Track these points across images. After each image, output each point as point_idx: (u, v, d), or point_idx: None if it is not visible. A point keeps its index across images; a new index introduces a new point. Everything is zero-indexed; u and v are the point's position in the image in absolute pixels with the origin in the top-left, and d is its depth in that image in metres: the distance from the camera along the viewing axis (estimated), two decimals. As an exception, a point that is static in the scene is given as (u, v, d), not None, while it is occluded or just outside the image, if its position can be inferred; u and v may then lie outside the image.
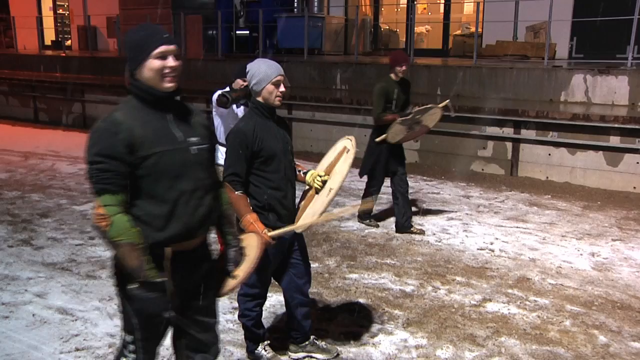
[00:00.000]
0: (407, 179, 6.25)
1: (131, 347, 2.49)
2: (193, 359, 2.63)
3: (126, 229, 2.25)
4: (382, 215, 6.78)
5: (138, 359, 2.50)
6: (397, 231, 6.22)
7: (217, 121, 4.97)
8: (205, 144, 2.48)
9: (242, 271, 2.64)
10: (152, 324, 2.45)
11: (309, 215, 3.34)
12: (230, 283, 2.65)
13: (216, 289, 2.64)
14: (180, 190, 2.36)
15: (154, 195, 2.33)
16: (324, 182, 3.35)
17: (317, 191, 3.38)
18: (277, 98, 3.27)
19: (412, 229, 6.20)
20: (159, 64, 2.32)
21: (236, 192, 3.19)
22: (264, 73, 3.24)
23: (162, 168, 2.32)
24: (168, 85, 2.35)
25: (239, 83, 4.80)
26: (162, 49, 2.32)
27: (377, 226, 6.45)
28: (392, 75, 6.02)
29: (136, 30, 2.39)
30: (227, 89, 4.82)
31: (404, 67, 5.96)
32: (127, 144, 2.24)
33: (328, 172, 3.40)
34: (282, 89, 3.26)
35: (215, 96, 4.77)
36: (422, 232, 6.21)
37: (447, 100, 6.26)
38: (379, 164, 6.12)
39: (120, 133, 2.24)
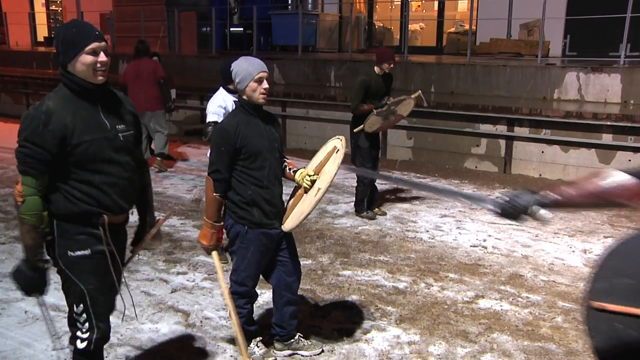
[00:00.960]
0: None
1: (83, 316, 2.70)
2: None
3: (34, 211, 2.51)
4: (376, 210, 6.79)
5: (92, 327, 2.70)
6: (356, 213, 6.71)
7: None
8: (131, 130, 2.73)
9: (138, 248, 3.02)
10: (98, 286, 2.68)
11: (296, 214, 3.36)
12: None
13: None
14: (109, 173, 2.60)
15: (86, 179, 2.56)
16: (313, 182, 3.36)
17: (306, 190, 3.39)
18: (261, 95, 3.28)
19: (362, 213, 6.64)
20: (91, 59, 2.50)
21: (215, 194, 3.26)
22: (245, 71, 3.26)
23: (92, 154, 2.54)
24: (100, 78, 2.57)
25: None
26: (93, 45, 2.50)
27: (375, 217, 6.60)
28: (377, 69, 6.28)
29: (69, 26, 2.58)
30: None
31: (391, 65, 6.23)
32: (57, 135, 2.45)
33: (317, 171, 3.42)
34: (265, 85, 3.27)
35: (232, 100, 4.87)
36: (373, 217, 6.59)
37: (419, 91, 6.53)
38: (363, 151, 6.35)
39: (50, 124, 2.45)
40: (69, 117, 2.48)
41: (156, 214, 3.14)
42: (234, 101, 4.89)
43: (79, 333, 2.72)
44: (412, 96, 6.34)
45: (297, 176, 3.44)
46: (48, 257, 2.67)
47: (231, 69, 3.33)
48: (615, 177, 2.00)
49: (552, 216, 2.12)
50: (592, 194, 2.03)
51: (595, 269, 2.43)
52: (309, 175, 3.39)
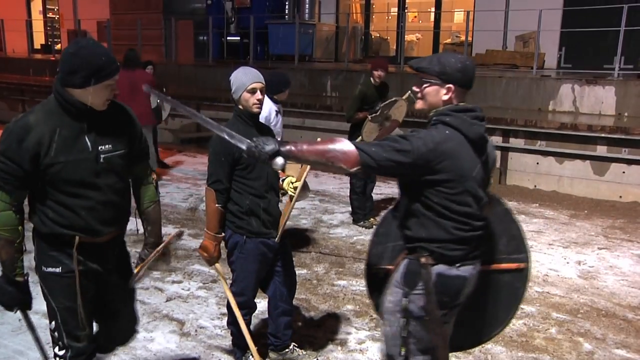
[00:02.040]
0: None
1: (56, 334, 2.64)
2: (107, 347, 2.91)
3: (9, 226, 2.43)
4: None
5: (65, 346, 2.63)
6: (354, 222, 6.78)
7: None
8: (119, 150, 2.56)
9: (141, 267, 2.77)
10: (67, 305, 2.58)
11: (282, 221, 3.39)
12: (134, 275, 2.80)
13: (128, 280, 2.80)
14: (84, 196, 2.47)
15: (59, 200, 2.45)
16: (296, 188, 3.40)
17: (291, 198, 3.43)
18: (254, 105, 3.29)
19: (360, 222, 6.70)
20: (106, 93, 2.42)
21: (216, 205, 3.25)
22: (240, 81, 3.28)
23: (65, 176, 2.41)
24: (104, 108, 2.47)
25: (286, 94, 5.17)
26: (114, 79, 2.42)
27: (371, 227, 6.57)
28: (372, 80, 6.41)
29: (93, 53, 2.37)
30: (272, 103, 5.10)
31: (380, 73, 6.33)
32: (30, 152, 2.35)
33: (299, 177, 3.45)
34: (258, 96, 3.28)
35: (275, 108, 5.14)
36: (369, 227, 6.56)
37: (409, 92, 6.52)
38: None
39: (26, 141, 2.34)
40: (47, 135, 2.36)
41: (170, 229, 2.98)
42: (275, 111, 5.05)
43: (56, 349, 2.66)
44: (403, 97, 6.40)
45: (285, 184, 3.49)
46: (27, 271, 2.59)
47: (230, 78, 3.35)
48: (343, 143, 2.28)
49: (283, 163, 2.32)
50: (319, 152, 2.29)
51: (372, 236, 2.90)
52: (292, 182, 3.44)
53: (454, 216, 2.38)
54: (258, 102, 3.29)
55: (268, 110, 5.04)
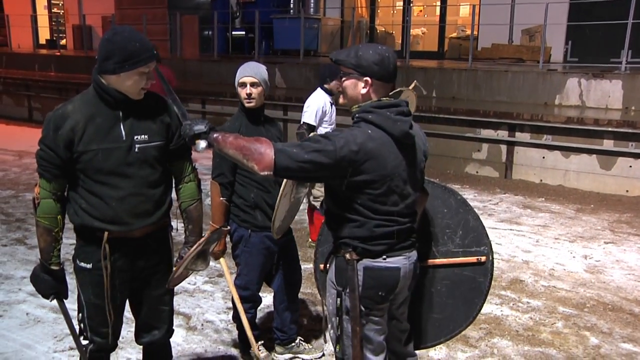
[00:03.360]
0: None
1: (81, 325, 2.65)
2: (145, 337, 2.83)
3: (49, 214, 2.46)
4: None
5: (88, 338, 2.65)
6: None
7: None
8: (155, 141, 2.52)
9: (179, 267, 2.68)
10: (95, 302, 2.58)
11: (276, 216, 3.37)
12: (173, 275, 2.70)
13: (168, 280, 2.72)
14: (116, 186, 2.45)
15: (92, 189, 2.45)
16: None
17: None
18: (245, 100, 3.30)
19: None
20: (139, 80, 2.40)
21: (221, 198, 3.26)
22: (236, 76, 3.31)
23: (96, 165, 2.41)
24: (140, 97, 2.46)
25: (337, 85, 5.03)
26: (150, 66, 2.40)
27: None
28: None
29: (128, 37, 2.36)
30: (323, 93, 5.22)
31: None
32: (65, 139, 2.37)
33: None
34: (247, 90, 3.27)
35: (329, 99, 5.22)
36: None
37: (415, 82, 6.54)
38: None
39: (62, 128, 2.37)
40: (81, 122, 2.38)
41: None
42: (330, 102, 5.09)
43: (81, 339, 2.68)
44: (410, 87, 6.34)
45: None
46: (63, 260, 2.59)
47: None
48: (265, 145, 2.20)
49: (204, 148, 2.30)
50: (239, 147, 2.23)
51: (319, 235, 2.90)
52: None
53: (377, 216, 2.30)
54: (247, 96, 3.28)
55: (323, 102, 5.15)
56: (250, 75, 3.27)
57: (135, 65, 2.35)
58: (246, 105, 3.31)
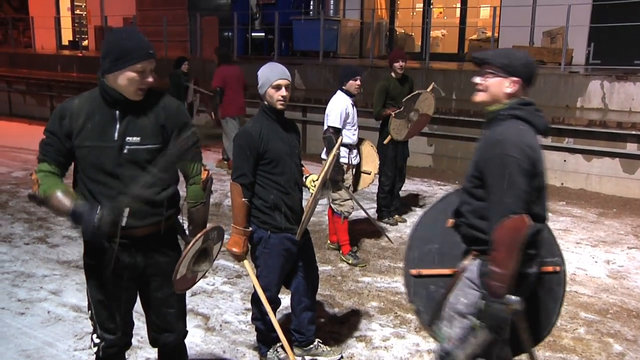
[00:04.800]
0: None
1: (92, 322, 2.68)
2: (157, 339, 2.84)
3: (55, 183, 2.43)
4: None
5: (99, 335, 2.67)
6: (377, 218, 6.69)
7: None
8: (147, 144, 2.49)
9: (181, 266, 2.59)
10: (100, 299, 2.61)
11: (303, 218, 3.37)
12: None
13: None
14: (108, 185, 2.47)
15: (87, 186, 2.50)
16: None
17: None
18: (278, 102, 3.29)
19: (385, 219, 6.67)
20: (134, 79, 2.40)
21: (243, 199, 3.24)
22: (265, 77, 3.29)
23: (90, 161, 2.46)
24: (138, 97, 2.46)
25: (353, 85, 5.17)
26: (144, 64, 2.40)
27: (395, 224, 6.62)
28: (392, 74, 6.34)
29: (124, 36, 2.43)
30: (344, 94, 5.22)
31: (400, 64, 6.25)
32: (66, 129, 2.45)
33: (320, 175, 3.45)
34: (282, 92, 3.27)
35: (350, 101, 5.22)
36: (393, 224, 6.63)
37: (433, 83, 6.55)
38: (387, 159, 6.39)
39: (65, 118, 2.45)
40: (82, 118, 2.44)
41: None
42: (351, 104, 5.10)
43: (94, 336, 2.71)
44: (428, 90, 6.32)
45: (307, 182, 3.49)
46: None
47: (258, 74, 3.34)
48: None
49: None
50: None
51: (408, 241, 2.89)
52: (314, 181, 3.44)
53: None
54: (282, 99, 3.28)
55: (345, 104, 5.14)
56: (285, 78, 3.29)
57: (128, 63, 2.38)
58: (279, 107, 3.31)
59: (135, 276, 2.64)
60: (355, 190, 5.63)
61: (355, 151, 5.40)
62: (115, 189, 2.46)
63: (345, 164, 5.26)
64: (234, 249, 3.31)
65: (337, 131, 5.07)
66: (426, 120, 6.49)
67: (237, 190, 3.28)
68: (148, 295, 2.73)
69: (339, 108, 5.10)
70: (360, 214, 6.99)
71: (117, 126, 2.46)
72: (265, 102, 3.35)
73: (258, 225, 3.37)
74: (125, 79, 2.40)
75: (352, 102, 5.24)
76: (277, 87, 3.27)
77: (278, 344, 3.66)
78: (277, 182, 3.32)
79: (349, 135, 5.25)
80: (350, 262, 5.36)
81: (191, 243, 2.58)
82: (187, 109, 9.41)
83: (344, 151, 5.21)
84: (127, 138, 2.47)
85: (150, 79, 2.44)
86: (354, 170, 5.48)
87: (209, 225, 2.97)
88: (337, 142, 3.62)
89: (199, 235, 2.61)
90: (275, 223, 3.34)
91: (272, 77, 3.27)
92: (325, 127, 5.15)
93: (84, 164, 2.48)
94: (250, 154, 3.25)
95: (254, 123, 3.35)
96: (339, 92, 5.25)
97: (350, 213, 5.41)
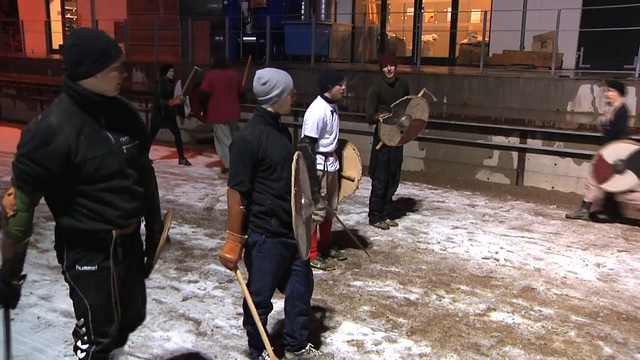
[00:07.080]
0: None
1: (83, 330, 2.65)
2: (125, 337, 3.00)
3: (23, 226, 2.43)
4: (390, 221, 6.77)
5: (90, 341, 2.65)
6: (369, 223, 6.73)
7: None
8: (135, 141, 2.62)
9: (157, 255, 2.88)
10: (101, 303, 2.61)
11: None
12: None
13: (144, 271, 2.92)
14: (116, 188, 2.52)
15: (93, 195, 2.47)
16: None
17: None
18: (290, 107, 3.41)
19: (376, 223, 6.64)
20: (114, 77, 2.45)
21: (240, 207, 3.24)
22: (285, 84, 3.33)
23: (97, 171, 2.45)
24: (116, 93, 2.52)
25: (339, 91, 5.06)
26: (120, 61, 2.45)
27: (387, 228, 6.60)
28: (383, 78, 6.32)
29: (96, 37, 2.43)
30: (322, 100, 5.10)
31: (389, 67, 6.23)
32: (59, 155, 2.34)
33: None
34: (293, 99, 3.42)
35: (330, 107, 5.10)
36: (385, 228, 6.60)
37: (424, 89, 6.56)
38: (379, 163, 6.41)
39: (53, 143, 2.33)
40: (73, 135, 2.37)
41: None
42: (331, 111, 5.03)
43: (79, 343, 2.69)
44: (419, 95, 6.32)
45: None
46: (25, 273, 2.58)
47: (266, 79, 3.29)
48: None
49: None
50: None
51: None
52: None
53: None
54: (291, 105, 3.43)
55: (323, 112, 4.99)
56: (292, 86, 3.38)
57: (108, 63, 2.41)
58: (288, 111, 3.42)
59: (125, 273, 2.71)
60: (338, 199, 5.58)
61: (332, 158, 5.24)
62: (124, 189, 2.55)
63: (320, 170, 5.11)
64: (229, 256, 3.26)
65: (313, 141, 4.96)
66: (421, 125, 6.45)
67: (234, 198, 3.24)
68: (125, 289, 2.78)
69: (316, 116, 4.93)
70: (351, 218, 7.01)
71: (107, 131, 2.50)
72: (270, 108, 3.34)
73: (253, 229, 3.36)
74: (108, 78, 2.43)
75: (333, 109, 5.09)
76: (293, 94, 3.39)
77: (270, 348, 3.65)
78: (274, 188, 3.30)
79: (325, 144, 5.10)
80: (318, 266, 5.30)
81: (162, 238, 2.87)
82: (177, 111, 9.42)
83: (319, 158, 5.09)
84: (121, 139, 2.54)
85: (124, 73, 2.52)
86: (338, 176, 5.41)
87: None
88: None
89: (168, 224, 2.91)
90: (270, 228, 3.33)
91: (290, 83, 3.36)
92: (302, 135, 5.03)
93: (88, 176, 2.43)
94: (248, 161, 3.22)
95: (251, 129, 3.31)
96: (318, 98, 5.07)
97: (322, 220, 5.32)
